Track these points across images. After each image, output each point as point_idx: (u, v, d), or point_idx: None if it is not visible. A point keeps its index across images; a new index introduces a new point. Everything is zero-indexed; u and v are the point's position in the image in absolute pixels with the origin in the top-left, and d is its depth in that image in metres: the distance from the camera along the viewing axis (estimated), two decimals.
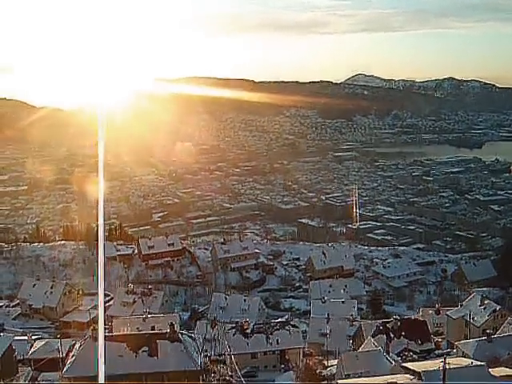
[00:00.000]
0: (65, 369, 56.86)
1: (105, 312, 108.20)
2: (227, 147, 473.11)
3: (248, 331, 75.66)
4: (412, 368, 40.58)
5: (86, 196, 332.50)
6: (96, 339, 57.71)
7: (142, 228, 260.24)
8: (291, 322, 77.67)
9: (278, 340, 74.81)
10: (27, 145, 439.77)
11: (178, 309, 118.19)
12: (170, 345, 56.52)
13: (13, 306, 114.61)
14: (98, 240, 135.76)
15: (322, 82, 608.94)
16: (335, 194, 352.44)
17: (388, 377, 41.22)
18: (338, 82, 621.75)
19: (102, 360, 46.45)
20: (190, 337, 60.83)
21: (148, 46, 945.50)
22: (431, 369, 39.70)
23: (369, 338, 68.56)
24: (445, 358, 34.60)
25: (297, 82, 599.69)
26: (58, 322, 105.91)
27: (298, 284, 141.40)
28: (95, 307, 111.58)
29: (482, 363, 41.43)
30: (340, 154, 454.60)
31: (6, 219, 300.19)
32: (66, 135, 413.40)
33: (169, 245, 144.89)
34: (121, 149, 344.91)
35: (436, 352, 76.34)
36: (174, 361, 55.62)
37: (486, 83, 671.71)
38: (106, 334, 59.34)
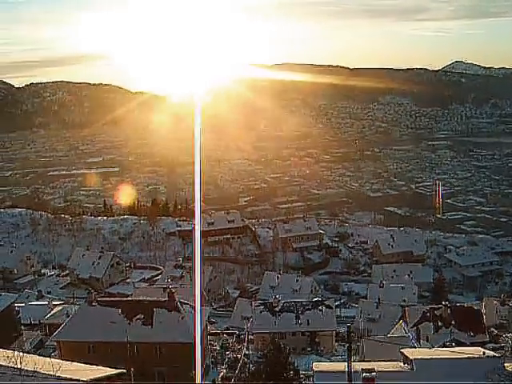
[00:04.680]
0: (56, 332, 53.53)
1: (152, 285, 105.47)
2: (319, 134, 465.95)
3: (277, 309, 69.30)
4: (406, 354, 33.53)
5: (175, 179, 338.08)
6: (91, 304, 53.95)
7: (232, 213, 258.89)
8: (325, 302, 70.46)
9: (308, 320, 68.15)
10: (122, 128, 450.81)
11: (229, 286, 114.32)
12: (167, 314, 51.89)
13: (63, 276, 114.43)
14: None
15: (418, 69, 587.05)
16: (426, 183, 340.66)
17: (380, 363, 34.27)
18: (436, 69, 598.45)
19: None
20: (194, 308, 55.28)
21: (244, 33, 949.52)
22: (425, 357, 32.82)
23: (400, 323, 60.88)
24: (350, 352, 27.23)
25: (392, 69, 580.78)
26: (103, 293, 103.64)
27: (362, 268, 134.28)
28: (143, 280, 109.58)
29: (498, 355, 34.03)
30: (434, 142, 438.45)
31: (96, 199, 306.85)
32: (161, 120, 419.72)
33: (229, 222, 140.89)
34: (213, 133, 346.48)
35: (489, 345, 67.51)
36: (168, 331, 50.67)
37: None
38: (101, 300, 55.12)
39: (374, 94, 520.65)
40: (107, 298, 58.08)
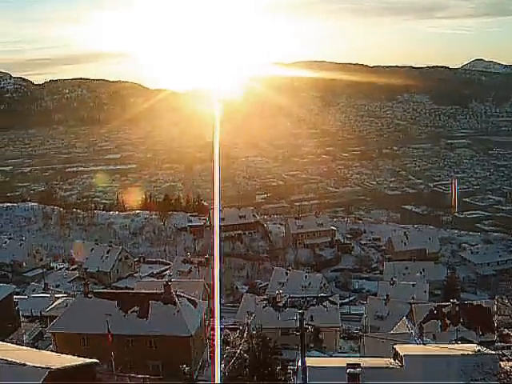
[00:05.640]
0: (51, 324, 52.90)
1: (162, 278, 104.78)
2: (337, 131, 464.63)
3: (280, 304, 68.01)
4: (397, 350, 32.03)
5: (192, 175, 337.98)
6: (86, 295, 53.18)
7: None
8: (330, 298, 69.04)
9: (312, 316, 66.49)
10: (141, 125, 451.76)
11: (238, 282, 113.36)
12: (162, 307, 50.98)
13: (71, 270, 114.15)
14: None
15: (437, 67, 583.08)
16: (444, 182, 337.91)
17: (369, 359, 32.97)
18: (455, 67, 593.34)
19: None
20: (192, 301, 54.31)
21: (264, 31, 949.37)
22: (416, 353, 31.33)
23: (403, 319, 59.33)
24: (302, 344, 25.59)
25: (411, 67, 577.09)
26: (110, 287, 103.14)
27: (374, 265, 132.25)
28: (151, 275, 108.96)
29: (493, 353, 32.32)
30: (453, 141, 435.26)
31: (113, 195, 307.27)
32: (180, 117, 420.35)
33: (240, 217, 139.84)
34: (231, 130, 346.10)
35: (497, 344, 65.72)
36: (163, 324, 49.71)
37: None
38: (97, 291, 54.29)
39: (393, 92, 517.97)
40: (105, 290, 57.20)
